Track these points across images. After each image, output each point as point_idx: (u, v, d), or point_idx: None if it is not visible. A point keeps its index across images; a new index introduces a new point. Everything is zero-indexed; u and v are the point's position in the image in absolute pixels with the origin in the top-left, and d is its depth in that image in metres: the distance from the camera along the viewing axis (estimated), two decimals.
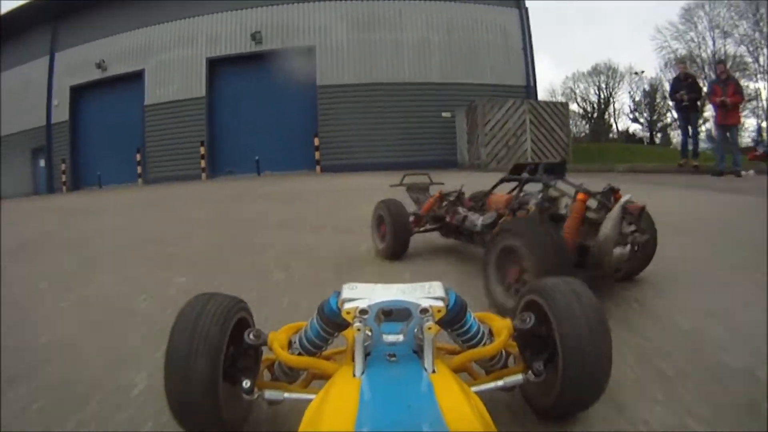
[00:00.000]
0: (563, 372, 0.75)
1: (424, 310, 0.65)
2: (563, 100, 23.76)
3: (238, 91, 13.69)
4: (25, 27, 16.98)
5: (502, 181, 1.89)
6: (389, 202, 2.06)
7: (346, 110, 12.67)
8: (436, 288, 0.69)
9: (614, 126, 33.01)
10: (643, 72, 35.79)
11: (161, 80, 14.25)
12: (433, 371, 0.62)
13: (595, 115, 32.23)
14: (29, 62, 17.61)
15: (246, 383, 0.73)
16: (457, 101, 12.64)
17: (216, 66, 13.74)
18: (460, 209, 1.92)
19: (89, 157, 16.20)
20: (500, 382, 0.78)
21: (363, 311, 0.64)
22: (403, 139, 12.73)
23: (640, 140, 30.28)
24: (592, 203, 1.46)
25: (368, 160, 12.40)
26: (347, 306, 0.66)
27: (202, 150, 13.16)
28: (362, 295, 0.66)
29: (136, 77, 14.65)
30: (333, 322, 0.72)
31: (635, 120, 32.45)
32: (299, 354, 0.77)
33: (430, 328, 0.64)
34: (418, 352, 0.67)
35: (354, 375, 0.62)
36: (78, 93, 16.33)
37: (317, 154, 12.37)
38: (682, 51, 25.61)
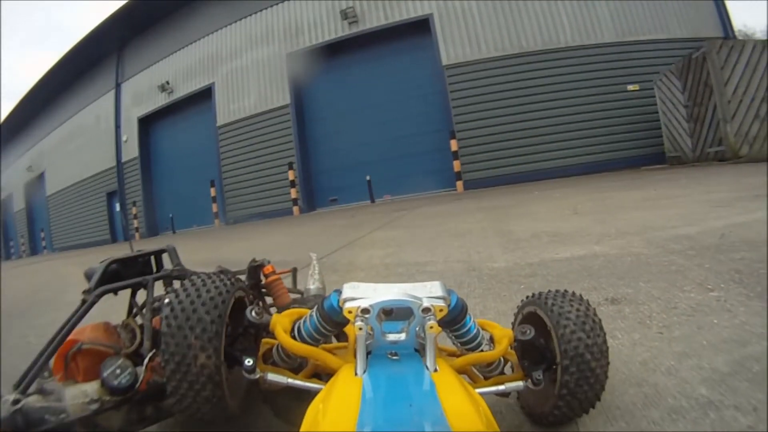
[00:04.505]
0: (561, 384, 0.76)
1: (426, 309, 0.65)
2: None
3: (333, 91, 10.38)
4: (92, 62, 15.43)
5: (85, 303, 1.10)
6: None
7: (488, 96, 8.73)
8: (437, 287, 0.69)
9: None
10: None
11: (234, 93, 11.39)
12: (436, 370, 0.63)
13: None
14: (97, 100, 16.09)
15: (249, 361, 0.70)
16: (642, 67, 8.44)
17: (300, 62, 10.52)
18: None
19: (163, 197, 14.02)
20: (501, 387, 0.79)
21: (365, 310, 0.64)
22: (575, 132, 8.50)
23: None
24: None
25: (529, 166, 8.37)
26: (349, 305, 0.65)
27: (292, 175, 9.94)
28: (364, 294, 0.66)
29: (206, 95, 11.99)
30: (333, 320, 0.71)
31: None
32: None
33: (431, 327, 0.64)
34: (420, 351, 0.67)
35: (356, 374, 0.62)
36: (146, 124, 14.24)
37: (457, 164, 8.51)
38: None
